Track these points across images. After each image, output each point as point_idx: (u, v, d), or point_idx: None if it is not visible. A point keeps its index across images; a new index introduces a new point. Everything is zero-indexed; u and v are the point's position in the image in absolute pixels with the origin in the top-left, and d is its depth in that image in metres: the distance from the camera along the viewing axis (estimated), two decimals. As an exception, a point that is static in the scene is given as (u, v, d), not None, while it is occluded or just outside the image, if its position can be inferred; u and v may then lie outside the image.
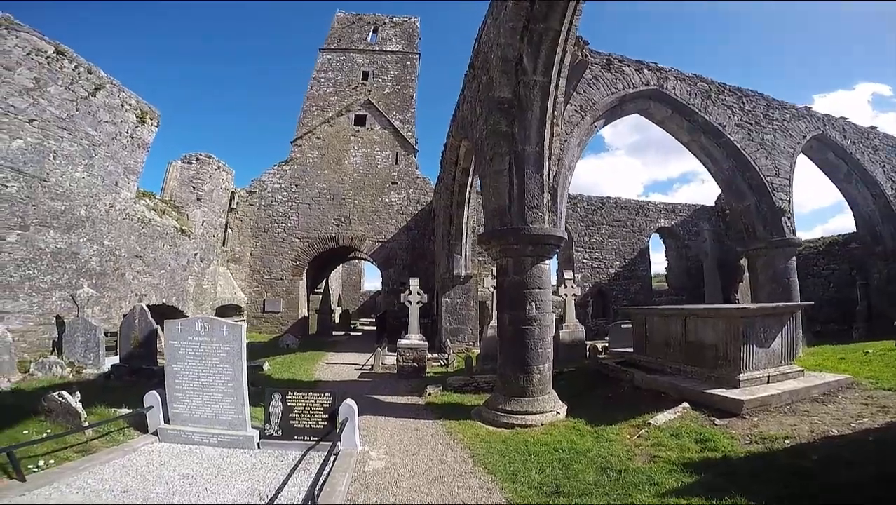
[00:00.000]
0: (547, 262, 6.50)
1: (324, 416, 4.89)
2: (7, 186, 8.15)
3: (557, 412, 6.03)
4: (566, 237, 6.75)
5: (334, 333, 21.90)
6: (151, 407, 5.05)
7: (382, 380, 9.48)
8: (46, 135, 8.82)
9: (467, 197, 13.60)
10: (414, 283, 12.18)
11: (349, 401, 4.91)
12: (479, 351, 11.90)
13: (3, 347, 7.75)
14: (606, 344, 12.40)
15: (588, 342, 11.45)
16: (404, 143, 20.51)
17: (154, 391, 5.09)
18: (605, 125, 9.17)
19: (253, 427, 4.99)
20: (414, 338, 10.99)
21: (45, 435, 4.45)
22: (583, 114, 8.05)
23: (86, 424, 4.81)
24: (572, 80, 7.30)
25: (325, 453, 4.16)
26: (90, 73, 9.67)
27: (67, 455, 4.31)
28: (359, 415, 6.50)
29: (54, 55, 8.79)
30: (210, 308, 16.00)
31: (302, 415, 4.91)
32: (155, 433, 5.01)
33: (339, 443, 4.73)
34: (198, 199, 15.16)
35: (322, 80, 20.76)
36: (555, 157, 7.00)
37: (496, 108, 6.55)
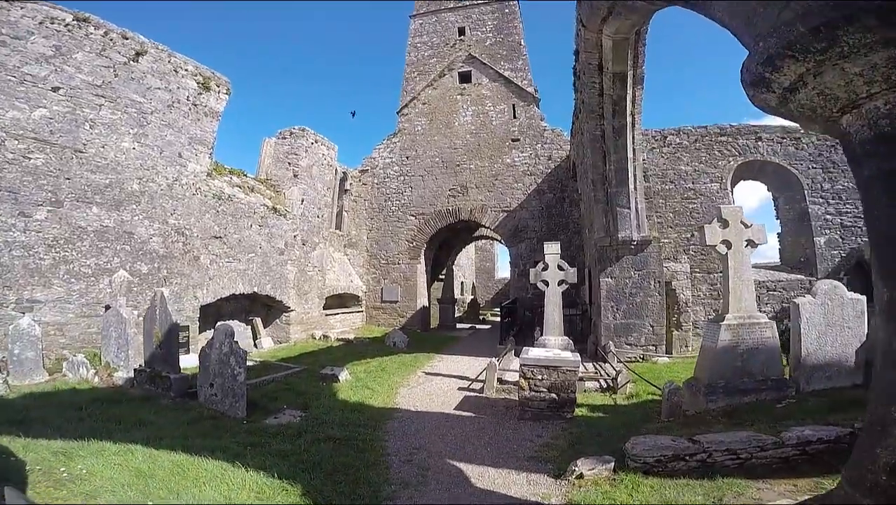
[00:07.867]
0: None
1: None
2: (30, 158, 6.81)
3: None
4: None
5: (458, 325, 18.85)
6: None
7: (492, 417, 5.44)
8: (78, 103, 7.58)
9: (628, 119, 8.69)
10: (552, 249, 7.94)
11: None
12: (688, 363, 7.05)
13: (27, 343, 6.20)
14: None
15: None
16: (520, 92, 16.34)
17: None
18: None
19: None
20: (552, 342, 6.70)
21: None
22: None
23: None
24: None
25: None
26: (126, 39, 8.35)
27: None
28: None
29: (74, 23, 7.62)
30: (317, 297, 14.27)
31: None
32: None
33: None
34: (294, 176, 13.41)
35: (418, 44, 18.30)
36: None
37: None
